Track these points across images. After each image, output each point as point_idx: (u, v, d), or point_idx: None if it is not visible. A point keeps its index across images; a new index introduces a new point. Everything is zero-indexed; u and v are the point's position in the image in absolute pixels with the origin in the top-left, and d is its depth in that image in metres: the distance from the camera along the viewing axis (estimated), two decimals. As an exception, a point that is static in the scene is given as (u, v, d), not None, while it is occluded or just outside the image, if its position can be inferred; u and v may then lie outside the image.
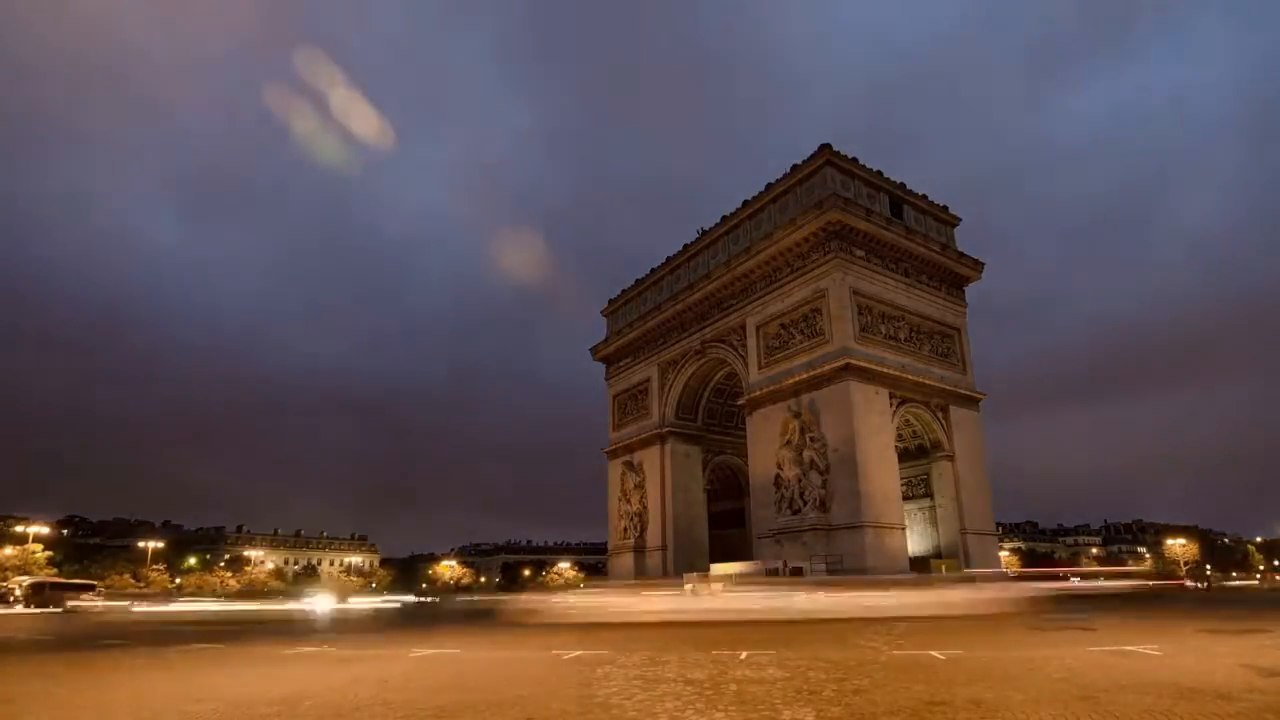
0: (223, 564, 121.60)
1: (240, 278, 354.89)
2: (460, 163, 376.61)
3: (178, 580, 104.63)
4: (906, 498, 58.73)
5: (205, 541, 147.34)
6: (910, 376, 61.43)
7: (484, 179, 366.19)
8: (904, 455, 60.69)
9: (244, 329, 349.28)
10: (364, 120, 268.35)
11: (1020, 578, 64.44)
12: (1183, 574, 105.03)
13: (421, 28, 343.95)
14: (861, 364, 58.00)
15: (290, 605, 63.09)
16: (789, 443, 60.71)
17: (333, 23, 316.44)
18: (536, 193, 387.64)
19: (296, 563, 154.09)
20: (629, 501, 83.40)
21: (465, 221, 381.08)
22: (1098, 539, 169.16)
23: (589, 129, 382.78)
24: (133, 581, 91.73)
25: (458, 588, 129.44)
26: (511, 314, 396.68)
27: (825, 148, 63.75)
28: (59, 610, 52.77)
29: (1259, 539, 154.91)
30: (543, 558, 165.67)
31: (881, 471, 57.17)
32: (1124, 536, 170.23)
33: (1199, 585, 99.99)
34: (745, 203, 71.72)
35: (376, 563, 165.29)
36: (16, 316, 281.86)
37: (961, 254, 69.56)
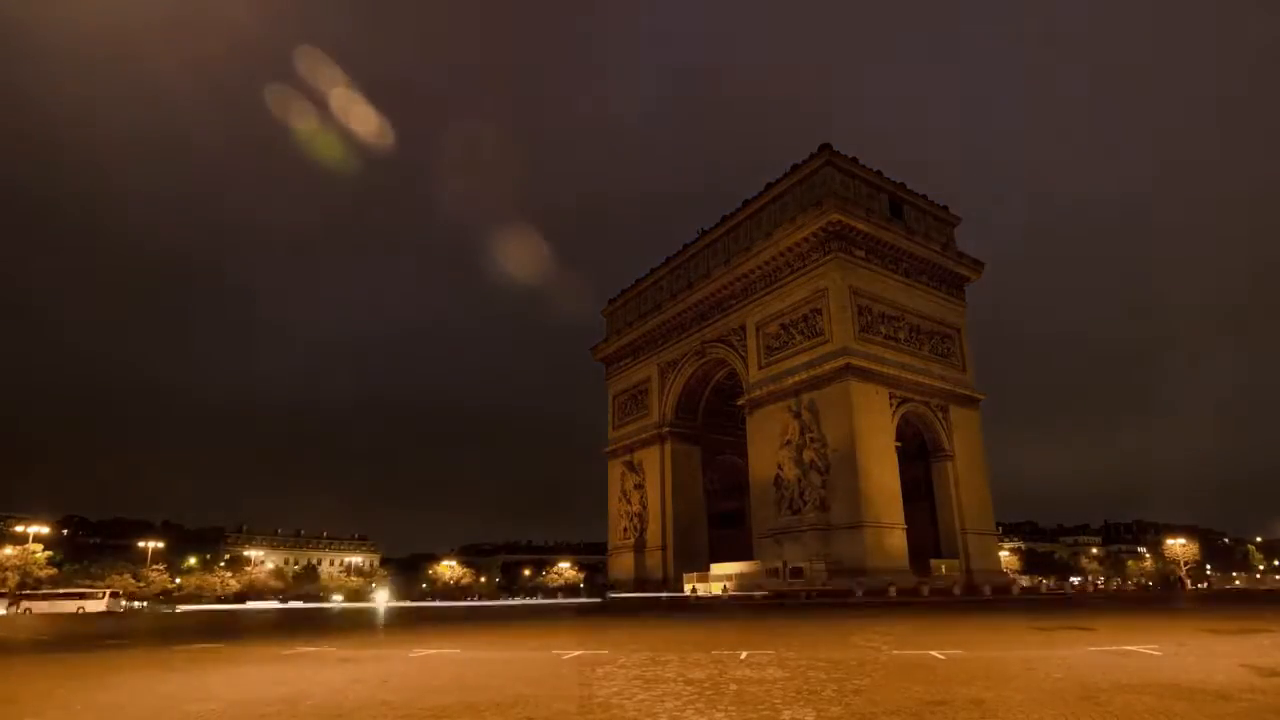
0: (223, 564, 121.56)
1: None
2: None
3: (178, 580, 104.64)
4: (906, 498, 58.71)
5: (205, 541, 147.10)
6: (910, 376, 61.44)
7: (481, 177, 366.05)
8: (904, 455, 60.70)
9: (242, 328, 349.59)
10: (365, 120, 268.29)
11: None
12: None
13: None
14: (861, 364, 58.00)
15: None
16: (789, 442, 60.71)
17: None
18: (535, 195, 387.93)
19: (296, 563, 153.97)
20: (629, 501, 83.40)
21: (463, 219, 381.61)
22: (1098, 539, 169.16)
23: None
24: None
25: (458, 588, 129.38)
26: (510, 312, 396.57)
27: (825, 148, 63.74)
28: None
29: (1259, 539, 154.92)
30: (543, 558, 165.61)
31: (882, 471, 57.17)
32: (1124, 536, 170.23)
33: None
34: (746, 202, 71.71)
35: (377, 563, 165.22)
36: (22, 323, 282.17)
37: (961, 254, 69.56)
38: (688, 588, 62.55)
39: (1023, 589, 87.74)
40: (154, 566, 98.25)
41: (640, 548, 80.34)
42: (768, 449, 63.13)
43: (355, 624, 32.75)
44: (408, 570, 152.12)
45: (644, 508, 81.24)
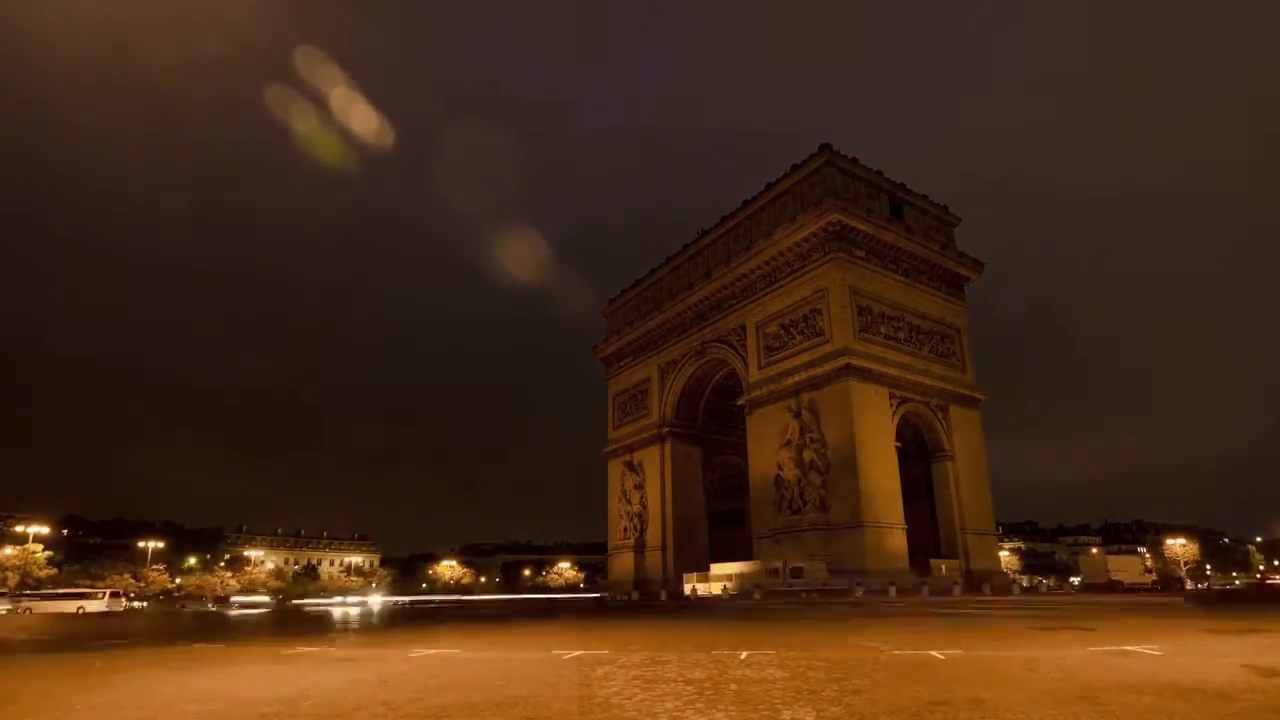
0: (223, 564, 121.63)
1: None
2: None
3: (178, 580, 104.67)
4: (906, 498, 58.69)
5: (205, 541, 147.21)
6: (910, 376, 61.45)
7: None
8: (904, 455, 60.68)
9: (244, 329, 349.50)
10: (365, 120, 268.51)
11: None
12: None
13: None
14: (861, 364, 58.01)
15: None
16: (789, 443, 60.70)
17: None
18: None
19: (296, 563, 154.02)
20: (629, 501, 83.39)
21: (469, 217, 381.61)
22: (1098, 539, 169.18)
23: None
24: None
25: (458, 588, 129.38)
26: (511, 313, 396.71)
27: (825, 148, 63.75)
28: None
29: (1259, 539, 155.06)
30: (543, 558, 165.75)
31: (881, 471, 57.17)
32: (1124, 536, 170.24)
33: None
34: (745, 202, 71.74)
35: (377, 563, 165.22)
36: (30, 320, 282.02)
37: (961, 254, 69.58)
38: (687, 588, 62.52)
39: (1023, 589, 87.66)
40: (154, 566, 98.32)
41: (640, 548, 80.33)
42: (768, 449, 63.12)
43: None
44: (408, 570, 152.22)
45: (644, 508, 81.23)
